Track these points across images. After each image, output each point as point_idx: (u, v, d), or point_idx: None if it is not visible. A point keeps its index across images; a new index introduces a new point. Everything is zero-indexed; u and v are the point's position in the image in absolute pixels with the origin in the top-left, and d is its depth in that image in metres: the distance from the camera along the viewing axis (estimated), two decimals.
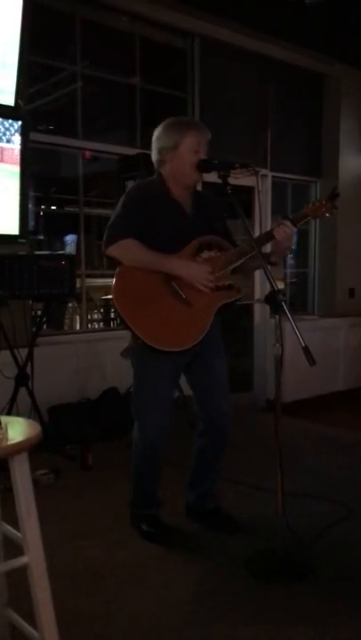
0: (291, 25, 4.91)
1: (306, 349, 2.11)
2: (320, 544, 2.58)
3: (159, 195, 2.51)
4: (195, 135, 2.46)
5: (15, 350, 3.73)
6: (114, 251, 2.43)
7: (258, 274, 5.04)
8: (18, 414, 3.54)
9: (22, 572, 1.63)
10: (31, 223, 4.77)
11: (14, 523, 1.63)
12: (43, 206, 6.60)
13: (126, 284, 2.42)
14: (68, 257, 3.96)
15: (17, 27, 3.55)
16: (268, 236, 2.47)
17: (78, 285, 4.47)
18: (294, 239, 2.50)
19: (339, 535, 2.67)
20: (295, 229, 2.48)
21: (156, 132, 2.54)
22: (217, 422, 2.62)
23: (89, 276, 5.11)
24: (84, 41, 4.46)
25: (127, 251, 2.42)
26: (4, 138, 3.63)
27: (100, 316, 7.17)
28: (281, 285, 5.83)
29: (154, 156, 2.56)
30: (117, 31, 4.73)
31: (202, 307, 2.45)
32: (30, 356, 3.77)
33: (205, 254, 2.49)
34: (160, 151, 2.52)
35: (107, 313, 6.99)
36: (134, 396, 2.60)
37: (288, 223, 2.44)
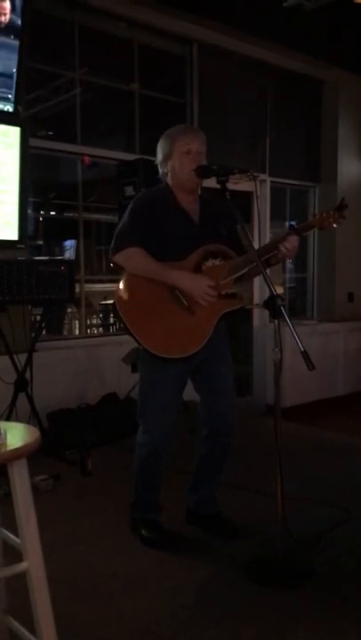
0: (289, 31, 4.93)
1: (305, 354, 2.11)
2: (320, 548, 2.58)
3: (166, 203, 2.54)
4: (183, 138, 2.51)
5: (14, 356, 3.73)
6: (119, 258, 2.48)
7: (257, 278, 5.05)
8: (17, 420, 3.54)
9: (22, 577, 1.62)
10: (30, 228, 4.78)
11: (14, 528, 1.63)
12: (42, 211, 6.61)
13: (130, 291, 2.44)
14: (67, 262, 3.97)
15: None
16: (273, 247, 2.47)
17: (77, 290, 4.48)
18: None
19: (338, 539, 2.67)
20: (300, 239, 2.48)
21: (157, 149, 2.61)
22: (221, 429, 2.62)
23: (88, 281, 5.11)
24: (82, 47, 4.48)
25: (132, 259, 2.45)
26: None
27: (100, 322, 7.16)
28: (280, 290, 5.84)
29: (159, 171, 2.63)
30: (116, 38, 4.75)
31: (204, 315, 2.46)
32: (29, 362, 3.77)
33: (210, 262, 2.51)
34: (161, 164, 2.60)
35: (106, 318, 6.98)
36: (139, 401, 2.61)
37: (295, 237, 2.44)
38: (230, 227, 2.68)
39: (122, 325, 2.45)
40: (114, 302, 2.47)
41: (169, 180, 2.57)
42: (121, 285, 2.45)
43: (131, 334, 2.40)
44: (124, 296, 2.43)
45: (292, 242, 2.43)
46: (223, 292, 2.48)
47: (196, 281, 2.44)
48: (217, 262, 2.52)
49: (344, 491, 3.26)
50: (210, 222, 2.59)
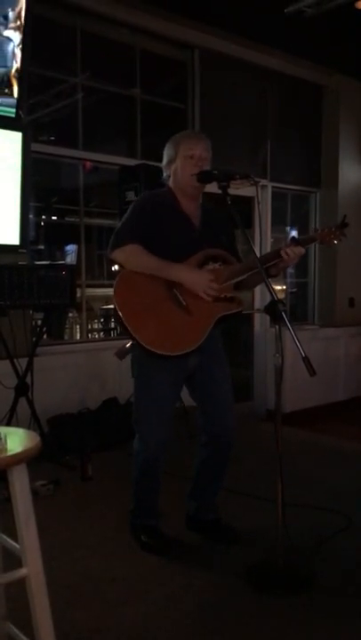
0: (290, 37, 4.95)
1: (306, 360, 2.10)
2: (320, 554, 2.57)
3: (168, 206, 2.56)
4: (188, 143, 2.54)
5: (15, 360, 3.73)
6: (118, 255, 2.47)
7: None
8: (17, 424, 3.53)
9: (21, 583, 1.62)
10: (32, 233, 4.78)
11: (13, 534, 1.63)
12: (43, 216, 6.63)
13: (128, 287, 2.44)
14: (68, 267, 3.97)
15: None
16: (276, 256, 2.46)
17: (78, 295, 4.48)
18: None
19: (339, 545, 2.66)
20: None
21: (163, 152, 2.64)
22: (220, 435, 2.61)
23: (89, 285, 5.12)
24: (84, 53, 4.50)
25: (131, 255, 2.45)
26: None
27: (101, 326, 7.17)
28: (281, 295, 5.83)
29: (164, 174, 2.65)
30: (118, 43, 4.77)
31: (201, 315, 2.45)
32: (30, 366, 3.77)
33: (210, 266, 2.51)
34: (165, 167, 2.63)
35: (107, 322, 6.99)
36: (135, 406, 2.60)
37: (300, 247, 2.43)
38: (231, 233, 2.68)
39: (118, 323, 2.43)
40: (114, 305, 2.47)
41: (171, 183, 2.59)
42: (118, 281, 2.43)
43: (126, 330, 2.37)
44: (122, 292, 2.41)
45: (295, 250, 2.43)
46: (222, 296, 2.48)
47: (198, 275, 2.44)
48: (217, 266, 2.52)
49: (345, 496, 3.26)
50: (211, 228, 2.59)
